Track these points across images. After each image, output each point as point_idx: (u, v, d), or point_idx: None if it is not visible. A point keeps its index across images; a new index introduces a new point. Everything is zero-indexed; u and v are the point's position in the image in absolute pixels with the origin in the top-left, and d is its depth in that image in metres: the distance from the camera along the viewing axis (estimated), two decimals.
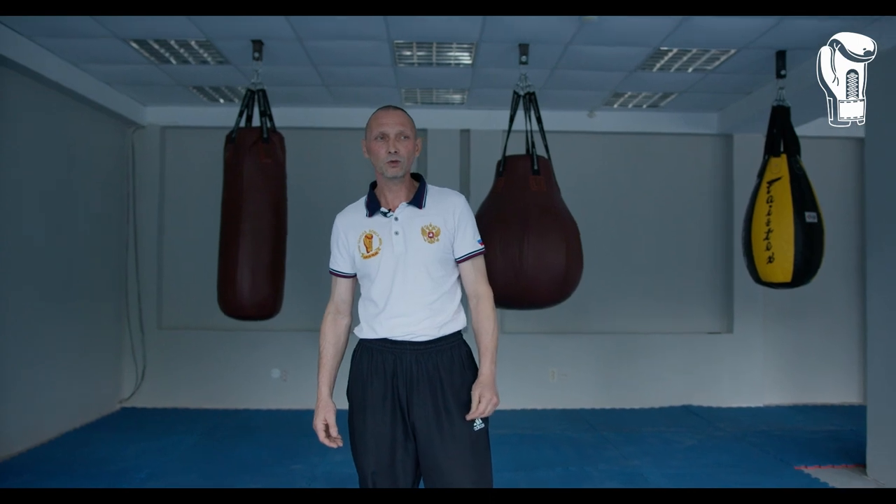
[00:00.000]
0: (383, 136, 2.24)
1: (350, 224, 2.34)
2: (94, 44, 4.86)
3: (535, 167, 4.52)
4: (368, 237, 2.28)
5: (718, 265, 6.79)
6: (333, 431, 2.29)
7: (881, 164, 4.47)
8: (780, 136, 4.81)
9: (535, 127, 4.66)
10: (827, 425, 5.79)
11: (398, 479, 2.23)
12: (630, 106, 6.41)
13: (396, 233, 2.25)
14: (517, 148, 4.76)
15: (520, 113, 4.74)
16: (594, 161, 6.80)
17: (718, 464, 4.67)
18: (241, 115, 4.68)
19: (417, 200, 2.29)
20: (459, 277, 2.34)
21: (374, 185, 2.36)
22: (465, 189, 6.46)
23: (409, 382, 2.22)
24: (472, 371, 2.28)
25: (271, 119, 4.68)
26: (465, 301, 2.37)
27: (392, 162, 2.23)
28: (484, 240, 4.33)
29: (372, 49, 4.96)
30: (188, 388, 6.39)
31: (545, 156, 4.64)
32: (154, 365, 6.43)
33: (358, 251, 2.30)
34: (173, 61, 5.25)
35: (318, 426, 2.29)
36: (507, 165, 4.63)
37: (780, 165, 4.73)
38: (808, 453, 4.93)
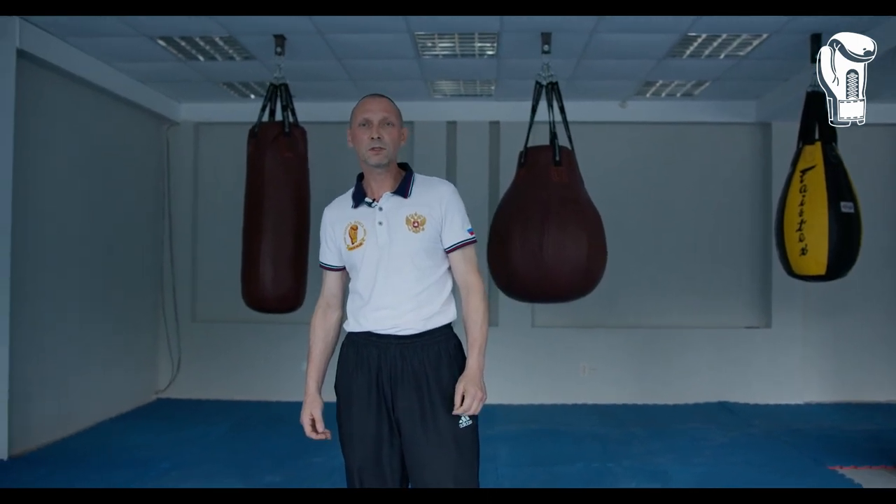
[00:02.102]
0: (367, 123, 2.18)
1: (336, 216, 2.31)
2: (122, 42, 4.97)
3: (557, 158, 4.44)
4: (353, 228, 2.24)
5: (756, 258, 6.58)
6: (319, 426, 2.26)
7: None
8: (815, 123, 4.63)
9: (559, 118, 4.57)
10: (868, 424, 5.56)
11: (385, 475, 2.20)
12: (663, 95, 6.26)
13: (380, 223, 2.21)
14: (544, 139, 4.67)
15: (546, 104, 4.64)
16: (628, 151, 6.66)
17: (747, 462, 4.53)
18: (263, 109, 4.72)
19: (402, 190, 2.24)
20: (450, 268, 2.28)
21: (361, 177, 2.32)
22: (494, 181, 6.40)
23: (394, 378, 2.17)
24: (460, 366, 2.22)
25: (294, 113, 4.71)
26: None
27: (375, 149, 2.17)
28: (504, 231, 4.39)
29: (393, 41, 4.94)
30: (222, 380, 6.50)
31: (568, 146, 4.56)
32: (189, 357, 6.56)
33: (343, 243, 2.26)
34: (201, 58, 5.32)
35: (305, 421, 2.27)
36: (528, 156, 4.56)
37: (814, 153, 4.55)
38: (845, 453, 4.73)
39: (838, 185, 4.45)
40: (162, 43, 4.98)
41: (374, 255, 2.20)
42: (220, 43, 4.99)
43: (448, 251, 2.25)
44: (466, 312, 2.24)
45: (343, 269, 2.34)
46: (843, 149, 4.59)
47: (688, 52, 5.09)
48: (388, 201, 2.23)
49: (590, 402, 6.34)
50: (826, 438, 5.13)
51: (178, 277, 6.62)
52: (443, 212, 2.23)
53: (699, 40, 4.86)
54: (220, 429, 5.40)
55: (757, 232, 6.59)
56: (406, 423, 2.16)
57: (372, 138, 2.17)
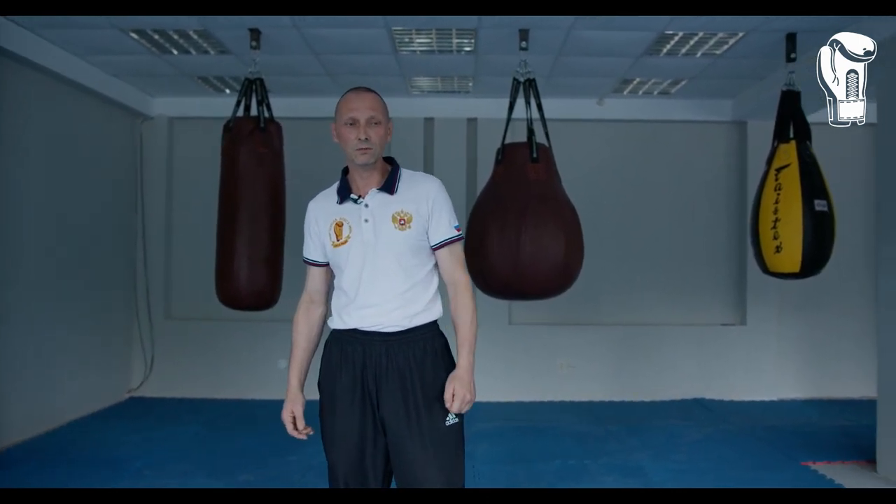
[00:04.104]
0: (353, 122, 2.13)
1: (321, 211, 2.26)
2: (94, 35, 4.88)
3: (535, 155, 4.43)
4: (339, 225, 2.19)
5: (732, 255, 6.64)
6: (300, 424, 2.23)
7: (892, 151, 4.31)
8: (790, 121, 4.66)
9: (536, 115, 4.56)
10: (840, 420, 5.63)
11: (367, 475, 2.16)
12: (640, 93, 6.28)
13: (366, 220, 2.16)
14: (521, 136, 4.66)
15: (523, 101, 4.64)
16: (605, 149, 6.68)
17: (722, 458, 4.56)
18: (238, 104, 4.66)
19: (389, 186, 2.19)
20: (436, 265, 2.24)
21: (346, 171, 2.27)
22: (472, 178, 6.39)
23: (379, 375, 2.14)
24: (447, 363, 2.19)
25: (269, 108, 4.65)
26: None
27: (362, 149, 2.13)
28: (481, 228, 4.37)
29: (371, 37, 4.90)
30: (196, 378, 6.41)
31: (545, 143, 4.55)
32: (162, 355, 6.47)
33: (328, 239, 2.21)
34: (174, 51, 5.24)
35: (286, 418, 2.23)
36: (505, 153, 4.54)
37: (789, 152, 4.58)
38: (818, 449, 4.79)
39: (812, 183, 4.48)
40: (135, 36, 4.90)
41: (359, 253, 2.16)
42: (195, 36, 4.92)
43: (435, 248, 2.21)
44: (455, 311, 2.21)
45: (327, 264, 2.29)
46: (817, 148, 4.63)
47: (665, 50, 5.11)
48: (374, 198, 2.19)
49: (567, 399, 6.35)
50: (800, 434, 5.18)
51: (152, 274, 6.52)
52: (430, 208, 2.19)
53: (676, 38, 4.88)
54: (194, 427, 5.33)
55: (732, 229, 6.64)
56: (391, 422, 2.13)
57: (359, 139, 2.12)
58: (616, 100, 6.45)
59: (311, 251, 2.30)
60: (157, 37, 4.91)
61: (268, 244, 4.52)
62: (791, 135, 4.61)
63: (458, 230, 2.23)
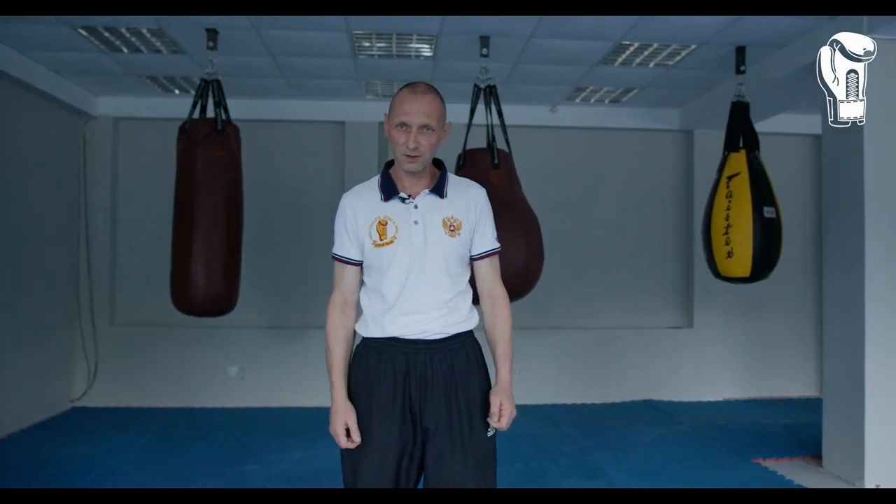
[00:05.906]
0: (404, 126, 2.04)
1: (361, 206, 2.13)
2: (39, 30, 4.69)
3: (496, 161, 4.48)
4: (383, 224, 2.10)
5: (679, 260, 6.83)
6: (356, 436, 2.07)
7: (836, 160, 4.51)
8: (740, 131, 4.84)
9: (497, 121, 4.61)
10: (785, 418, 5.86)
11: (399, 487, 2.09)
12: (592, 101, 6.40)
13: (416, 222, 2.09)
14: (479, 142, 4.71)
15: (482, 107, 4.68)
16: (557, 156, 6.78)
17: (676, 458, 4.68)
18: (194, 105, 4.56)
19: (439, 189, 2.13)
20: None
21: (389, 165, 2.18)
22: None
23: (424, 384, 2.07)
24: (485, 372, 2.17)
25: (226, 110, 4.57)
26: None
27: (410, 157, 2.05)
28: None
29: (330, 40, 4.86)
30: (143, 387, 6.21)
31: (506, 149, 4.60)
32: (107, 363, 6.25)
33: (369, 238, 2.10)
34: (125, 50, 5.08)
35: (339, 431, 2.06)
36: (467, 159, 4.58)
37: (739, 161, 4.75)
38: (766, 446, 4.97)
39: (761, 191, 4.65)
40: (84, 32, 4.72)
41: (405, 256, 2.08)
42: (148, 35, 4.78)
43: (476, 259, 2.18)
44: (493, 323, 2.19)
45: (361, 263, 2.17)
46: (763, 157, 4.82)
47: (619, 59, 5.23)
48: (425, 200, 2.12)
49: (521, 402, 6.37)
50: (747, 433, 5.36)
51: (96, 280, 6.29)
52: (476, 217, 2.15)
53: (631, 49, 5.00)
54: (144, 438, 5.16)
55: (680, 235, 6.83)
56: (434, 433, 2.08)
57: (408, 146, 2.04)
58: (569, 107, 6.56)
59: (347, 248, 2.15)
60: (107, 34, 4.75)
61: (225, 249, 4.43)
62: (741, 144, 4.79)
63: (499, 242, 2.22)
